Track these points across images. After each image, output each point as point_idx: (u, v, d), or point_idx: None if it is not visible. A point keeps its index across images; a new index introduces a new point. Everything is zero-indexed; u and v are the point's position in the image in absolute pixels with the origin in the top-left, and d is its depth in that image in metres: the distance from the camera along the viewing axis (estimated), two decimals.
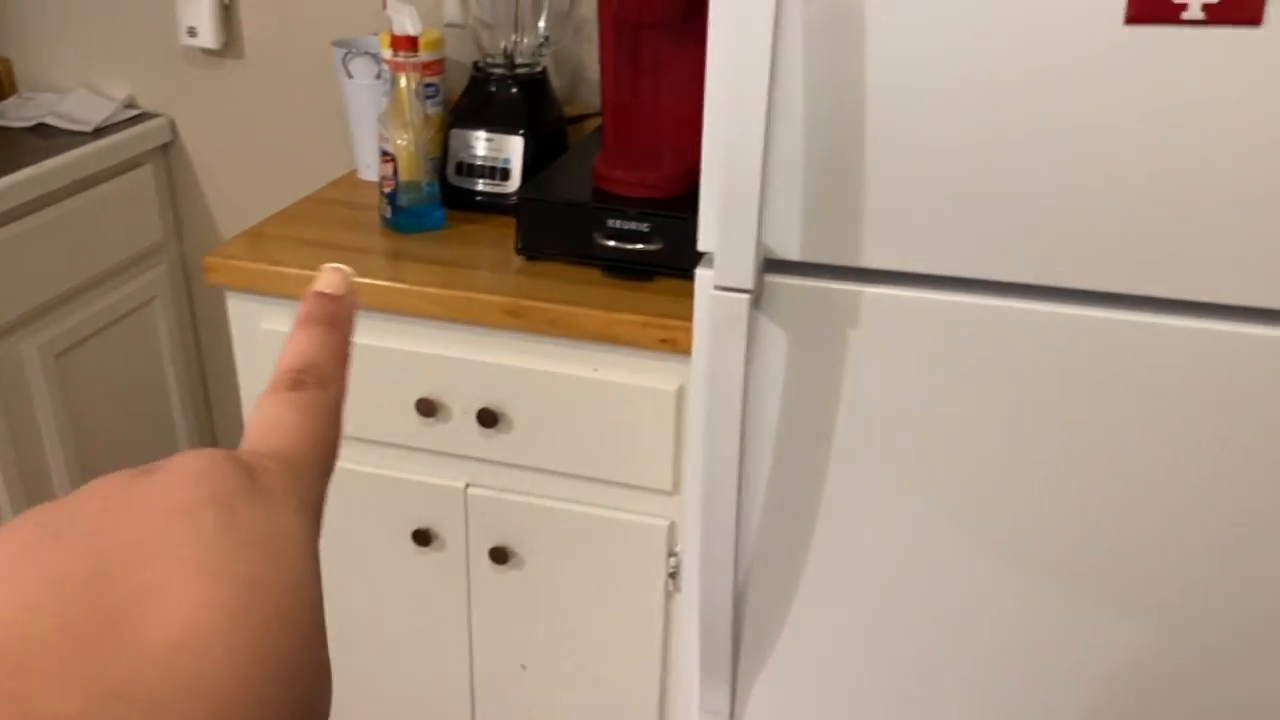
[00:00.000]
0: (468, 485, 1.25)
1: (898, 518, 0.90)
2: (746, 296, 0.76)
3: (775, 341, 0.85)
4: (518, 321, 1.14)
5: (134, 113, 1.70)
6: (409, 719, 1.44)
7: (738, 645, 0.96)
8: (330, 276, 0.34)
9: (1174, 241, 0.75)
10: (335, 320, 0.33)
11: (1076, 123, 0.73)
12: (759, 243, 0.73)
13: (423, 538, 1.28)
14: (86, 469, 1.63)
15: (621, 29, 1.22)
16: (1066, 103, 0.73)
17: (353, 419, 1.25)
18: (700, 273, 0.82)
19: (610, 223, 1.16)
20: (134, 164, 1.66)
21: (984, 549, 0.89)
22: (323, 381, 0.31)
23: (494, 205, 1.35)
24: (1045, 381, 0.82)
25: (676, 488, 1.18)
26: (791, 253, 0.80)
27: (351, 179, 1.50)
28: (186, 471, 0.25)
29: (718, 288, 0.76)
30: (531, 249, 1.22)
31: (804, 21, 0.73)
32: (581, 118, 1.52)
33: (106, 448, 1.67)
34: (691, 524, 0.93)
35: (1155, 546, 0.86)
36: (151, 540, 0.23)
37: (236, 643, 0.21)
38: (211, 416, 1.92)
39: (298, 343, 0.32)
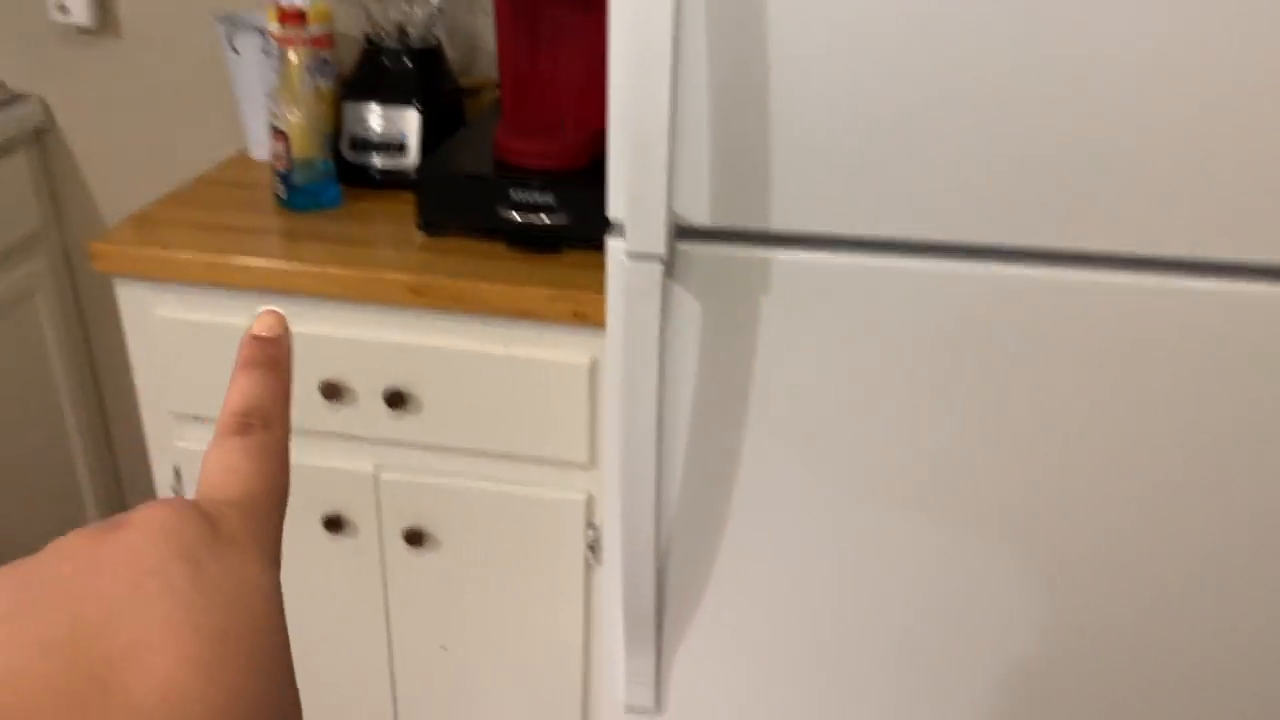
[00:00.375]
0: (378, 469, 1.22)
1: (816, 481, 0.91)
2: (659, 265, 0.75)
3: (689, 310, 0.85)
4: (423, 299, 1.12)
5: (2, 97, 1.61)
6: (329, 705, 1.41)
7: (661, 613, 0.96)
8: (266, 319, 0.35)
9: (1075, 195, 0.77)
10: (274, 363, 0.34)
11: (975, 79, 0.74)
12: (670, 209, 0.73)
13: (334, 524, 1.26)
14: None
15: None
16: (965, 60, 0.74)
17: None
18: (611, 242, 0.81)
19: (514, 195, 1.15)
20: (5, 149, 1.58)
21: (902, 510, 0.91)
22: (268, 423, 0.32)
23: (391, 181, 1.32)
24: (957, 339, 0.83)
25: (593, 461, 1.18)
26: (702, 219, 0.79)
27: (242, 159, 1.45)
28: (151, 527, 0.26)
29: (630, 256, 0.76)
30: (433, 225, 1.20)
31: None
32: (478, 90, 1.49)
33: None
34: (611, 495, 0.93)
35: (1076, 504, 0.89)
36: (125, 602, 0.24)
37: (212, 696, 0.23)
38: (104, 411, 1.85)
39: (240, 388, 0.33)
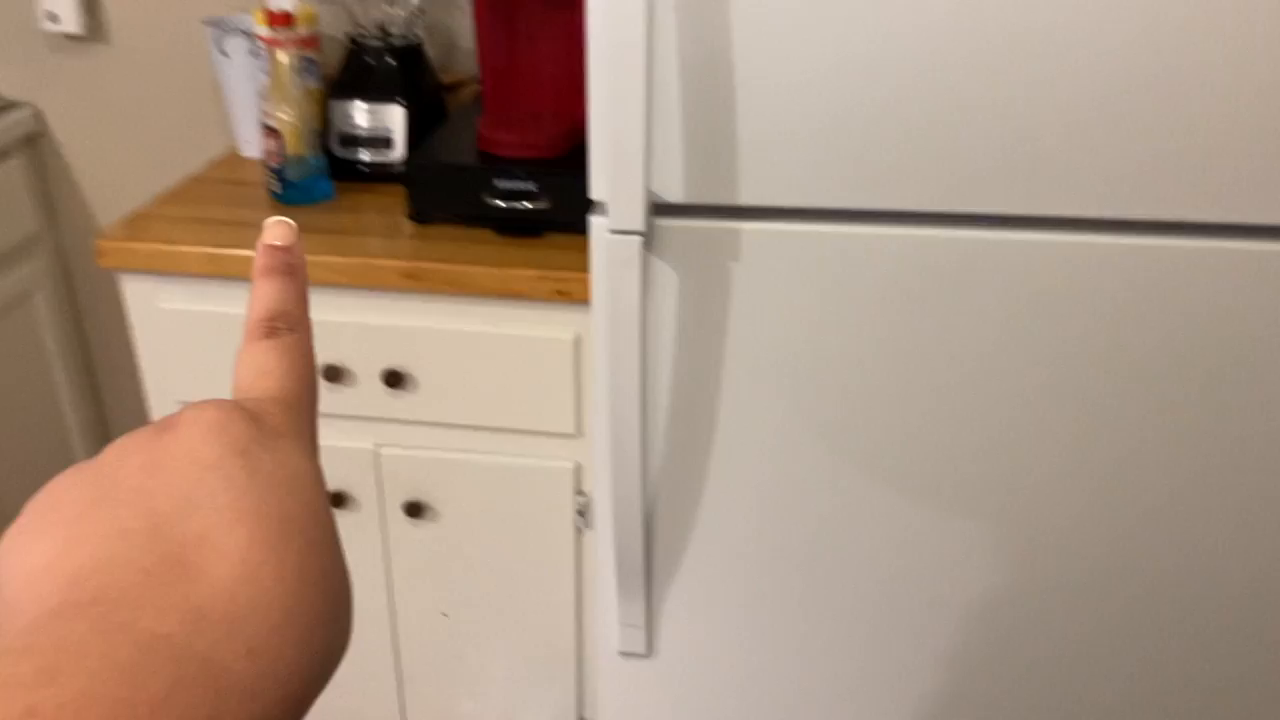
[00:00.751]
0: (378, 446, 1.29)
1: (791, 436, 0.99)
2: (638, 238, 0.83)
3: (668, 281, 0.92)
4: (416, 284, 1.19)
5: None
6: (335, 674, 1.48)
7: (649, 559, 1.04)
8: (277, 229, 0.36)
9: (1028, 160, 0.85)
10: (290, 269, 0.35)
11: (931, 50, 0.82)
12: (647, 187, 0.80)
13: (337, 500, 1.33)
14: None
15: None
16: (916, 34, 0.82)
17: None
18: (595, 220, 0.88)
19: (498, 183, 1.22)
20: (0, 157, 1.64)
21: (865, 465, 0.99)
22: (293, 325, 0.33)
23: (379, 174, 1.39)
24: (916, 300, 0.91)
25: (579, 431, 1.25)
26: (676, 196, 0.87)
27: (232, 158, 1.51)
28: (202, 426, 0.28)
29: (612, 231, 0.83)
30: (422, 214, 1.27)
31: None
32: (459, 85, 1.56)
33: None
34: (600, 452, 1.00)
35: (1042, 459, 0.97)
36: (192, 494, 0.26)
37: (281, 569, 0.25)
38: (101, 403, 1.91)
39: (263, 294, 0.34)
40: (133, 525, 0.25)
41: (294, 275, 0.35)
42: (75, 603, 0.23)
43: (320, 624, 0.26)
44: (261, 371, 0.32)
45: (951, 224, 0.89)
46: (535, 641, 1.41)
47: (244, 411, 0.29)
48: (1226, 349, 0.91)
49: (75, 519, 0.26)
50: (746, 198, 0.87)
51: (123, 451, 0.28)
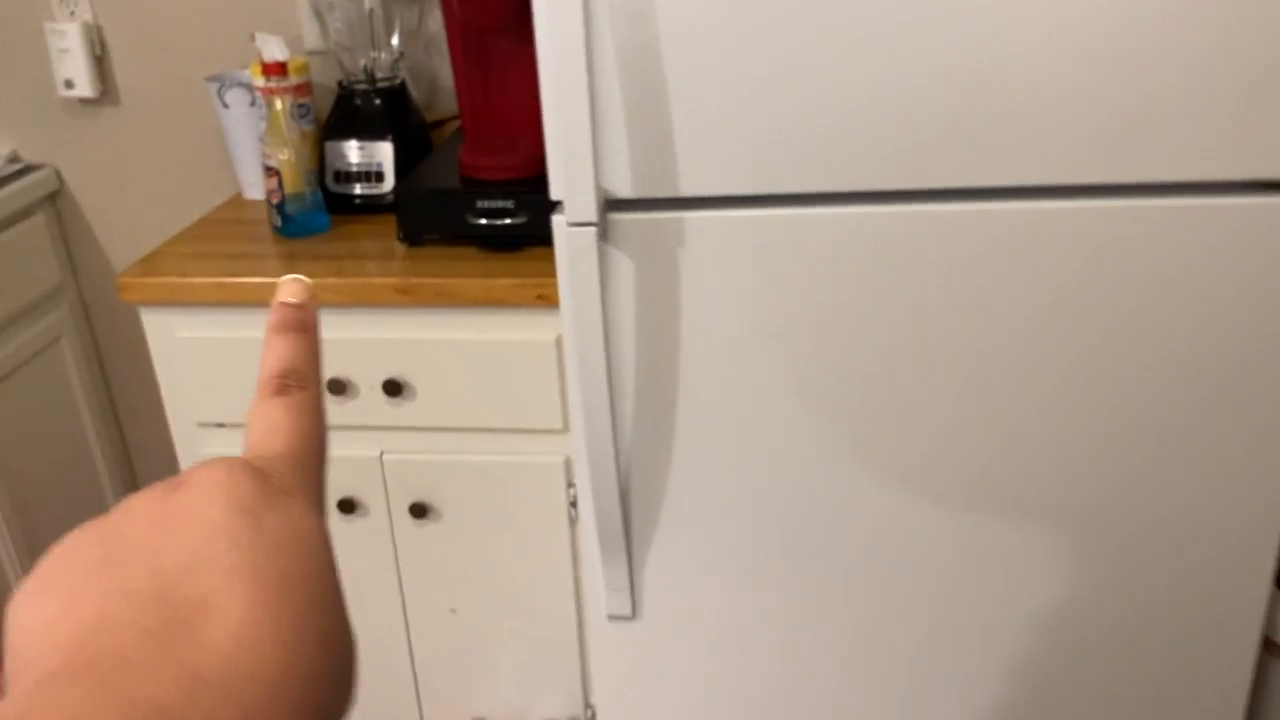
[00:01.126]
0: (382, 453, 1.40)
1: (746, 410, 1.09)
2: (593, 229, 0.94)
3: (625, 270, 1.03)
4: (409, 298, 1.30)
5: (18, 166, 1.80)
6: None
7: (628, 527, 1.14)
8: (292, 286, 0.37)
9: (961, 135, 0.96)
10: (304, 326, 0.36)
11: (855, 35, 0.94)
12: (597, 182, 0.92)
13: (347, 506, 1.43)
14: (18, 509, 1.73)
15: (468, 36, 1.40)
16: (839, 18, 0.93)
17: None
18: (556, 218, 1.00)
19: (480, 204, 1.34)
20: (24, 214, 1.77)
21: (822, 434, 1.09)
22: (304, 383, 0.34)
23: (372, 206, 1.51)
24: (861, 278, 1.02)
25: (566, 427, 1.36)
26: (625, 191, 0.99)
27: (237, 200, 1.64)
28: (211, 486, 0.28)
29: (570, 224, 0.95)
30: (412, 236, 1.39)
31: (609, 7, 0.92)
32: (441, 122, 1.69)
33: (31, 484, 1.77)
34: (576, 429, 1.11)
35: (995, 428, 1.08)
36: (197, 555, 0.26)
37: (279, 633, 0.25)
38: (126, 444, 2.03)
39: (275, 350, 0.34)
40: (138, 585, 0.26)
41: (307, 333, 0.35)
42: (74, 666, 0.23)
43: (318, 684, 0.26)
44: (271, 429, 0.32)
45: (887, 201, 0.99)
46: (539, 633, 1.50)
47: (251, 470, 0.29)
48: (1173, 303, 1.01)
49: (82, 577, 0.26)
50: (688, 189, 0.98)
51: (131, 510, 0.28)
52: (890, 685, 1.23)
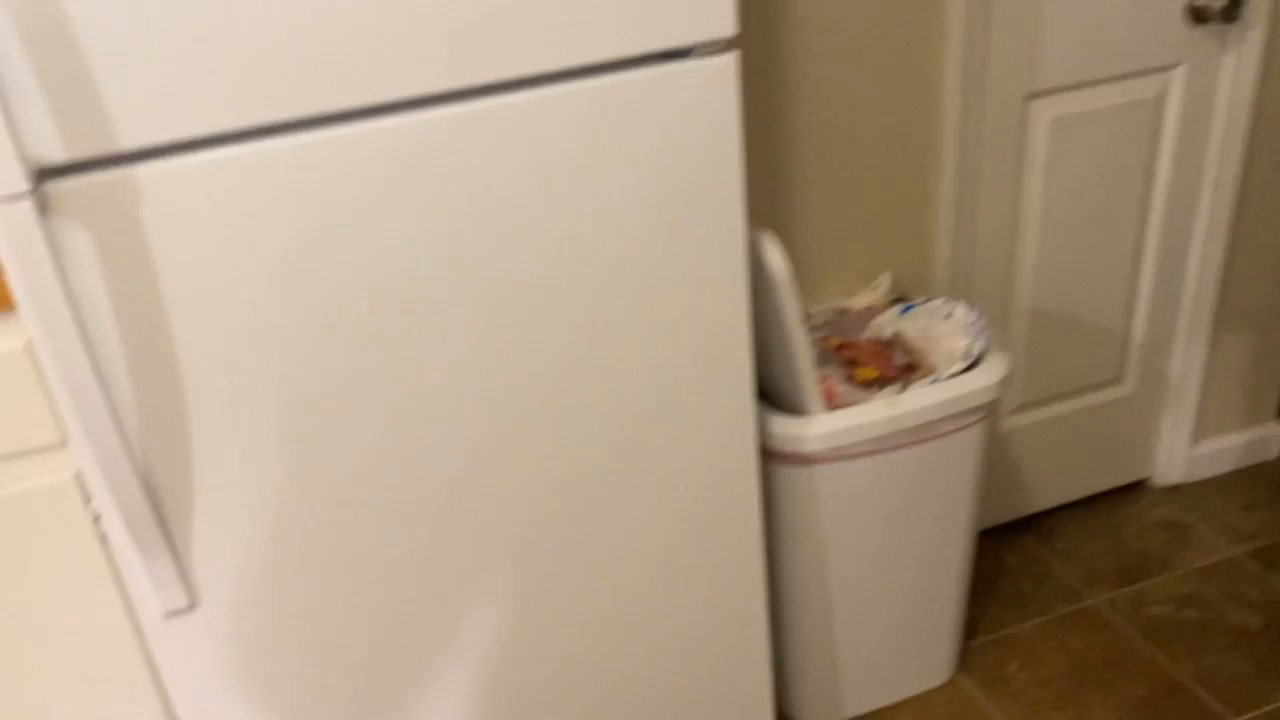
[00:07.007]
0: None
1: (256, 370, 1.06)
2: (28, 202, 0.86)
3: (85, 249, 0.96)
4: None
5: None
6: None
7: (162, 517, 1.08)
8: None
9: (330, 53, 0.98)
10: None
11: None
12: (17, 145, 0.84)
13: None
14: None
15: None
16: None
17: None
18: None
19: None
20: None
21: (330, 375, 1.09)
22: None
23: None
24: (298, 203, 1.02)
25: (65, 439, 1.23)
26: (59, 156, 0.91)
27: None
28: None
29: (2, 201, 0.86)
30: None
31: None
32: None
33: None
34: (78, 440, 1.02)
35: (427, 351, 1.12)
36: None
37: None
38: None
39: None
40: None
41: None
42: None
43: None
44: None
45: (338, 123, 1.00)
46: (99, 672, 1.37)
47: None
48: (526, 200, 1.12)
49: None
50: (127, 142, 0.93)
51: None
52: (448, 633, 1.28)
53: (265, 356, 1.07)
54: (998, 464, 2.09)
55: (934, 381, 1.55)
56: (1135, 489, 2.28)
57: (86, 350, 0.94)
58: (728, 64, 1.14)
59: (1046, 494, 2.18)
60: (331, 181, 1.01)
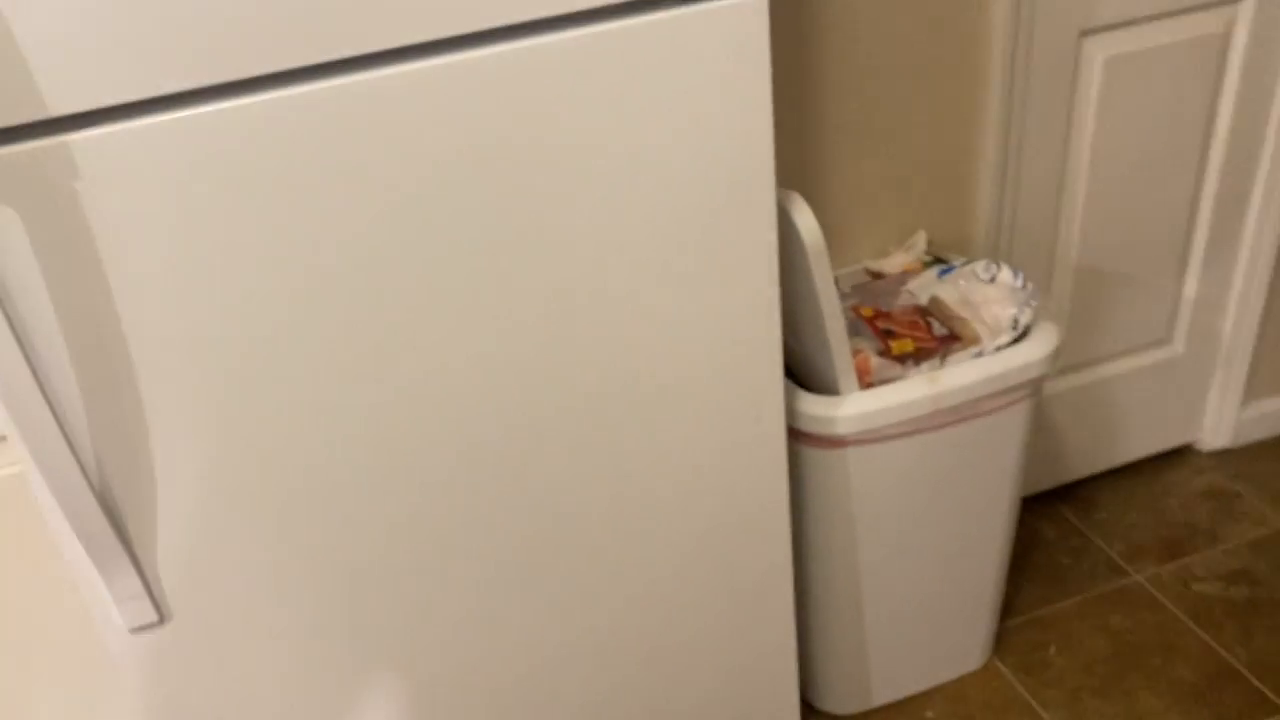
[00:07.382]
0: None
1: (212, 356, 0.93)
2: None
3: (14, 230, 0.82)
4: None
5: None
6: None
7: (122, 531, 0.96)
8: None
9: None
10: None
11: None
12: None
13: None
14: None
15: None
16: None
17: None
18: None
19: None
20: None
21: (293, 356, 0.96)
22: None
23: None
24: (282, 171, 0.88)
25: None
26: None
27: None
28: None
29: None
30: None
31: None
32: None
33: None
34: (16, 441, 0.89)
35: (442, 321, 0.99)
36: None
37: None
38: None
39: None
40: None
41: None
42: None
43: None
44: None
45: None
46: (73, 679, 1.27)
47: None
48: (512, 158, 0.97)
49: None
50: (57, 107, 0.79)
51: None
52: (437, 634, 1.16)
53: (229, 346, 0.94)
54: (1034, 430, 1.96)
55: (978, 355, 1.41)
56: (1179, 454, 2.15)
57: (20, 348, 0.81)
58: (759, 2, 0.99)
59: (1086, 460, 2.05)
60: (307, 146, 0.87)
